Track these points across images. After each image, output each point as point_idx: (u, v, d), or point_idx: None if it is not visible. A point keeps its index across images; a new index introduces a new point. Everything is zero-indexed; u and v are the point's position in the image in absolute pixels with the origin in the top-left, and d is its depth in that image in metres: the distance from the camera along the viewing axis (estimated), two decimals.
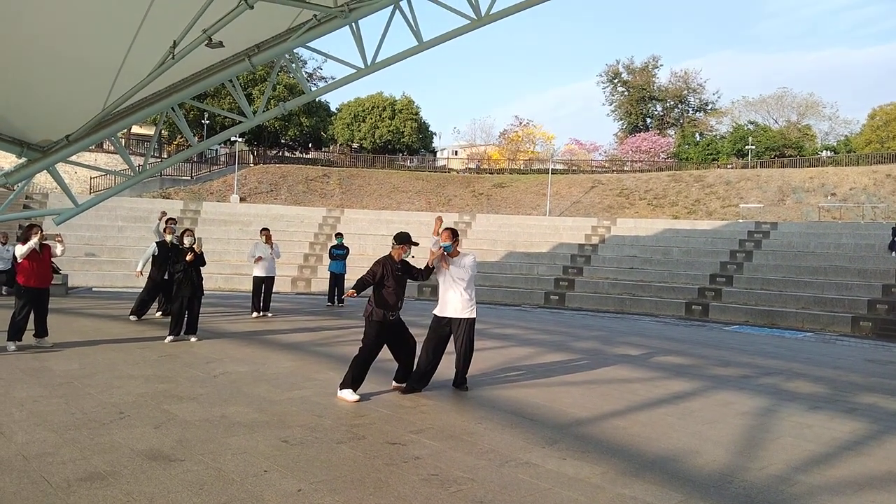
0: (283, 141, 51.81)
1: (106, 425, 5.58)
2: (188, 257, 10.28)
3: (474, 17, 12.19)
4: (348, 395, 6.73)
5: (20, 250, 9.10)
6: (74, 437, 5.22)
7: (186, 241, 10.49)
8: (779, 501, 4.54)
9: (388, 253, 7.12)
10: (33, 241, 9.09)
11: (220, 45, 10.68)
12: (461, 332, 7.31)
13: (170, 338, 10.03)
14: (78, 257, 25.40)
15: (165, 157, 44.61)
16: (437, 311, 7.42)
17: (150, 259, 12.56)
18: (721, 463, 5.32)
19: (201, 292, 10.54)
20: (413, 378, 7.28)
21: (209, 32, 10.39)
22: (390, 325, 6.96)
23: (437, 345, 7.34)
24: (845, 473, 5.23)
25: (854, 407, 7.70)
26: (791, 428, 6.54)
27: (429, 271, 7.23)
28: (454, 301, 7.27)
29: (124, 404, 6.29)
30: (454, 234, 7.34)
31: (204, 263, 10.64)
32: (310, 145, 53.88)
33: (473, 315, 7.39)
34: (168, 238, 12.34)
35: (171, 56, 11.10)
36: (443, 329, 7.36)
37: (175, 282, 10.41)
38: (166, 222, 12.81)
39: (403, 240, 7.10)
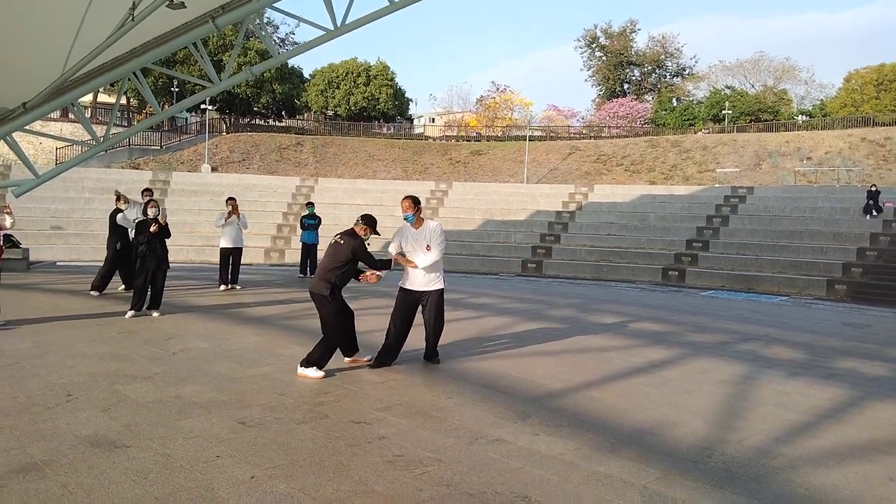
0: (255, 109, 50.70)
1: (50, 409, 5.23)
2: (152, 229, 9.83)
3: None
4: (313, 372, 6.42)
5: None
6: (13, 424, 4.86)
7: (150, 212, 10.02)
8: (760, 476, 4.34)
9: (351, 229, 6.79)
10: None
11: (182, 5, 10.09)
12: (429, 305, 7.02)
13: (131, 313, 9.63)
14: (43, 230, 24.70)
15: (135, 125, 43.43)
16: (403, 284, 7.11)
17: (113, 230, 12.11)
18: (700, 435, 5.11)
19: (166, 265, 10.12)
20: (382, 352, 7.00)
21: None
22: (340, 301, 6.75)
23: (403, 317, 7.03)
24: (827, 443, 5.06)
25: (833, 372, 7.56)
26: (770, 396, 6.37)
27: (387, 265, 6.96)
28: (419, 273, 6.96)
29: (73, 385, 5.93)
30: (415, 202, 7.03)
31: (168, 235, 10.21)
32: (283, 113, 52.85)
33: (440, 286, 7.08)
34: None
35: (130, 18, 10.50)
36: (409, 302, 7.04)
37: (138, 255, 9.97)
38: (142, 193, 12.33)
39: (369, 222, 6.83)
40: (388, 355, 7.02)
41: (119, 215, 12.10)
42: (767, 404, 6.08)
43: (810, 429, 5.41)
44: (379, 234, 7.00)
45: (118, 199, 12.44)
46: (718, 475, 4.33)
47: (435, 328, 7.12)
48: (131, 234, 11.95)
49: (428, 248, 6.91)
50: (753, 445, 4.92)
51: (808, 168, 32.73)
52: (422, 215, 7.15)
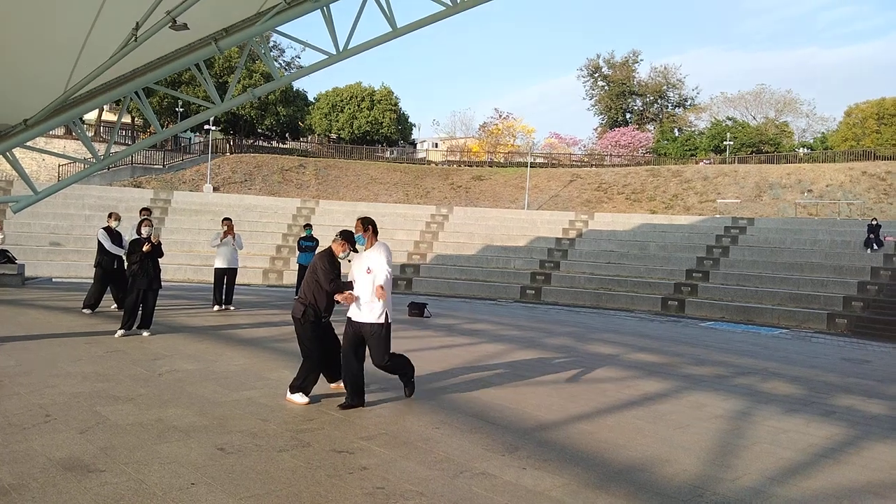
0: (259, 130, 51.00)
1: (26, 430, 5.10)
2: (145, 248, 9.76)
3: (449, 3, 11.76)
4: (298, 397, 6.28)
5: None
6: None
7: (144, 231, 9.95)
8: None
9: (329, 246, 6.55)
10: None
11: (185, 27, 10.17)
12: (371, 342, 6.25)
13: (121, 332, 9.51)
14: (42, 246, 24.65)
15: (135, 144, 43.61)
16: (349, 313, 6.39)
17: (99, 248, 12.03)
18: (692, 473, 4.97)
19: (158, 285, 10.02)
20: (349, 394, 6.30)
21: (173, 14, 9.87)
22: (323, 326, 6.50)
23: (353, 351, 6.28)
24: (823, 484, 4.90)
25: (831, 410, 7.41)
26: (766, 433, 6.22)
27: (348, 286, 6.34)
28: (360, 302, 6.20)
29: (53, 406, 5.80)
30: (365, 223, 6.36)
31: (161, 255, 10.12)
32: (287, 135, 53.11)
33: (381, 321, 6.18)
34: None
35: (133, 38, 10.56)
36: (351, 333, 6.29)
37: (130, 273, 9.89)
38: (140, 213, 12.27)
39: (347, 238, 6.39)
40: (355, 397, 6.26)
41: (100, 232, 12.05)
42: (763, 442, 5.93)
43: (806, 469, 5.26)
44: (358, 251, 6.59)
45: (110, 216, 12.36)
46: None
47: (387, 368, 6.46)
48: (113, 250, 11.89)
49: (368, 271, 6.18)
50: (747, 485, 4.78)
51: (809, 200, 32.73)
52: (377, 238, 6.42)
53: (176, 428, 5.33)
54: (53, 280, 19.67)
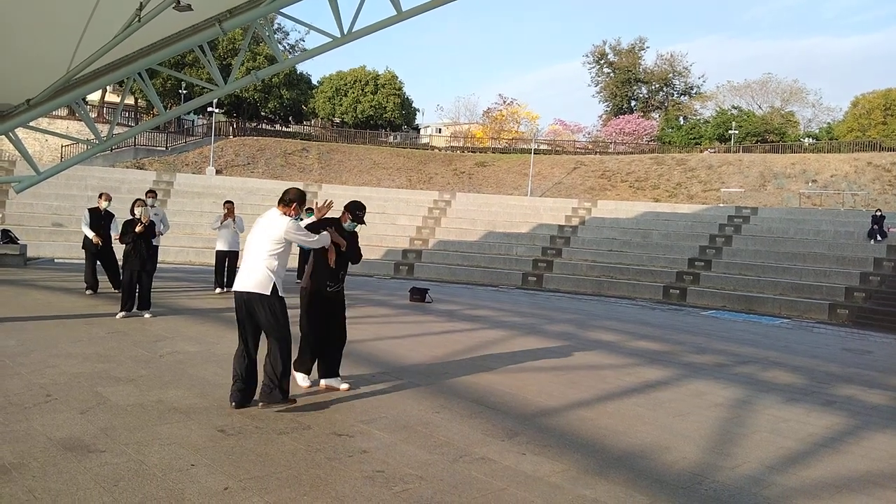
0: (262, 113, 50.79)
1: (27, 410, 5.11)
2: (137, 228, 9.70)
3: None
4: (299, 379, 6.28)
5: None
6: None
7: (137, 211, 9.88)
8: None
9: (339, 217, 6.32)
10: None
11: (189, 8, 10.07)
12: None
13: (121, 313, 9.51)
14: (44, 227, 24.66)
15: (138, 126, 43.49)
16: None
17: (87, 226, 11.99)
18: (691, 461, 4.97)
19: (152, 266, 9.97)
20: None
21: None
22: (326, 299, 6.20)
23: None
24: (822, 473, 4.90)
25: (832, 399, 7.41)
26: (766, 422, 6.22)
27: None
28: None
29: (54, 386, 5.80)
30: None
31: (154, 235, 10.08)
32: (290, 119, 52.89)
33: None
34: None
35: (137, 19, 10.48)
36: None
37: (123, 254, 9.84)
38: (146, 195, 12.18)
39: (349, 208, 6.27)
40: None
41: (85, 213, 12.08)
42: (763, 430, 5.93)
43: (806, 458, 5.26)
44: (365, 223, 6.39)
45: (100, 196, 12.24)
46: (708, 503, 4.19)
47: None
48: (86, 231, 11.84)
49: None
50: (746, 473, 4.78)
51: (814, 190, 32.60)
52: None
53: (176, 409, 5.34)
54: (55, 261, 19.70)
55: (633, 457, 4.98)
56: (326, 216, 6.21)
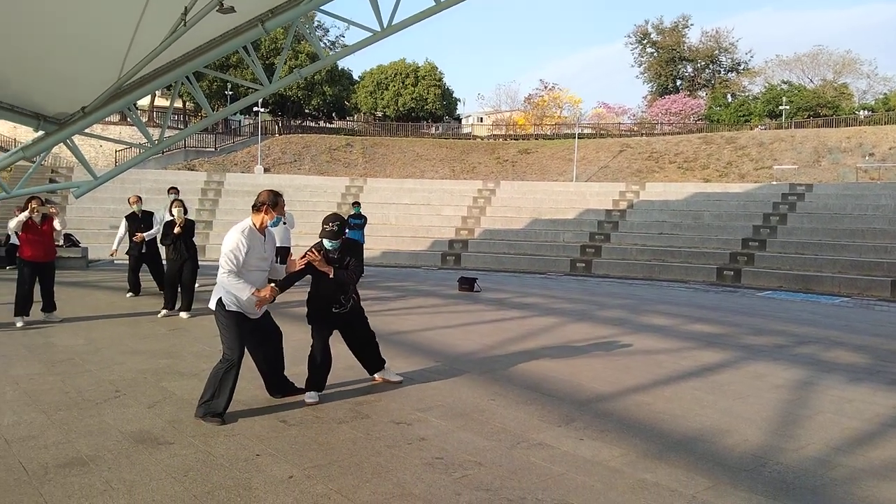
0: (306, 111, 51.49)
1: (98, 405, 5.33)
2: (176, 230, 9.96)
3: None
4: (308, 397, 5.78)
5: (12, 223, 8.91)
6: (63, 419, 4.97)
7: (175, 212, 10.13)
8: (818, 487, 4.12)
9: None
10: (24, 214, 8.85)
11: (232, 10, 10.28)
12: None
13: (163, 311, 9.74)
14: (103, 230, 25.49)
15: (187, 128, 44.56)
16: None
17: (125, 236, 12.04)
18: (753, 443, 4.89)
19: (193, 265, 10.19)
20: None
21: None
22: (336, 318, 5.93)
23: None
24: (891, 454, 4.77)
25: None
26: (830, 403, 6.07)
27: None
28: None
29: (122, 382, 6.04)
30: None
31: (192, 235, 10.28)
32: (333, 115, 53.47)
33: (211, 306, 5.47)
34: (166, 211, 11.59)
35: (182, 23, 10.74)
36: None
37: (165, 255, 10.09)
38: (168, 192, 12.39)
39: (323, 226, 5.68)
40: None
41: (123, 223, 11.99)
42: (827, 411, 5.79)
43: (873, 438, 5.12)
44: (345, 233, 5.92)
45: (130, 200, 12.20)
46: (773, 486, 4.12)
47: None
48: (118, 239, 11.96)
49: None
50: (811, 455, 4.68)
51: (871, 164, 31.45)
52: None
53: (239, 401, 5.48)
54: (115, 262, 20.35)
55: (693, 440, 4.92)
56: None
